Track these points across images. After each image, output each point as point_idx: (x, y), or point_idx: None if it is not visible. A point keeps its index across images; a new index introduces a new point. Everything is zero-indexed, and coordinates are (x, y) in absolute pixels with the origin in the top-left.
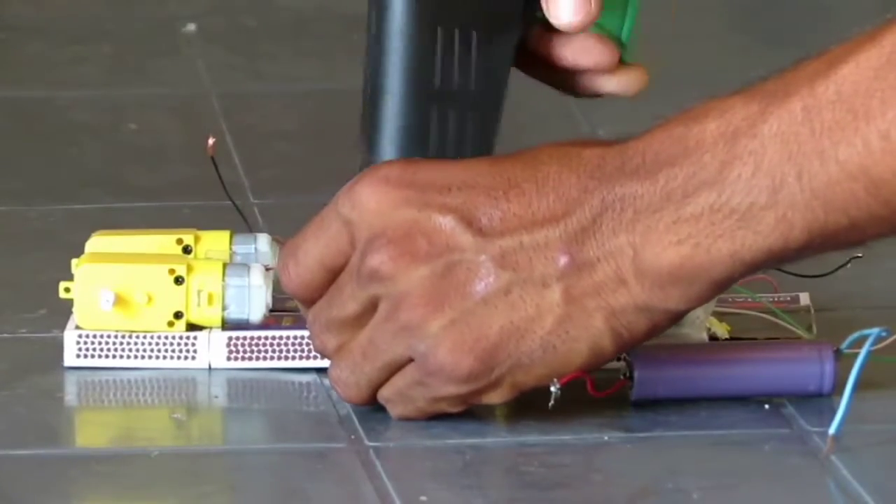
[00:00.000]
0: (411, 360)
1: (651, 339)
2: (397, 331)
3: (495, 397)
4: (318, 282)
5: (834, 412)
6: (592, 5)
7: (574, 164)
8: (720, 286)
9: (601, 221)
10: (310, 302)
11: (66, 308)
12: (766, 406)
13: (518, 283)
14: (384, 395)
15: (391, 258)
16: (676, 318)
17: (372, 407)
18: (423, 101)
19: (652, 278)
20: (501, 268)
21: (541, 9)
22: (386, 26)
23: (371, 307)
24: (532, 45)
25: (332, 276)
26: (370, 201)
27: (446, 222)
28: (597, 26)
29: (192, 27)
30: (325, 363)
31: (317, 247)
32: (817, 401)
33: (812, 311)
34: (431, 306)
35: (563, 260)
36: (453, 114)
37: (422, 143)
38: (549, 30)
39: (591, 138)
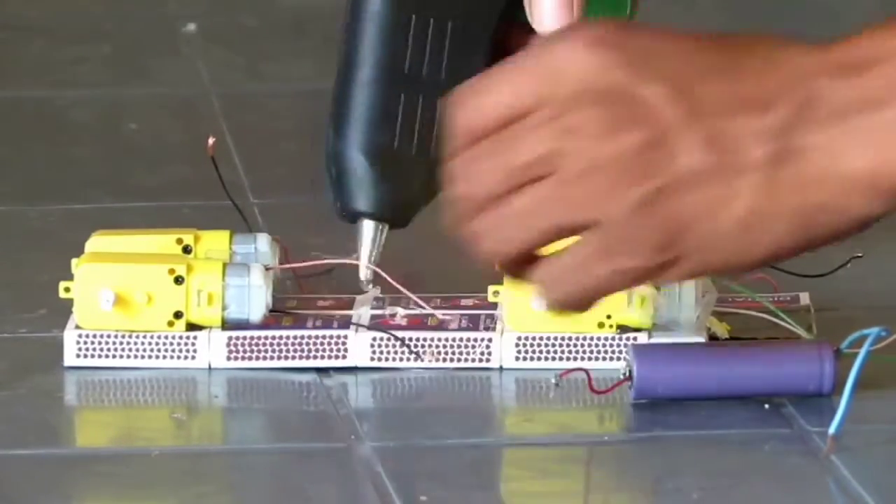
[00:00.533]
0: (583, 229)
1: (828, 243)
2: (585, 196)
3: (674, 275)
4: (495, 122)
5: (834, 412)
6: (575, 12)
7: (786, 56)
8: None
9: (806, 116)
10: (475, 141)
11: (65, 308)
12: (766, 406)
13: (718, 166)
14: (552, 272)
15: (597, 119)
16: (864, 226)
17: (511, 268)
18: (390, 86)
19: (849, 180)
20: (704, 149)
21: (521, 8)
22: (361, 8)
23: (548, 163)
24: (512, 44)
25: (510, 123)
26: (579, 59)
27: (657, 94)
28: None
29: (192, 27)
30: (326, 363)
31: (510, 87)
32: (817, 401)
33: (812, 311)
34: (628, 177)
35: (765, 149)
36: (422, 101)
37: (388, 127)
38: (529, 31)
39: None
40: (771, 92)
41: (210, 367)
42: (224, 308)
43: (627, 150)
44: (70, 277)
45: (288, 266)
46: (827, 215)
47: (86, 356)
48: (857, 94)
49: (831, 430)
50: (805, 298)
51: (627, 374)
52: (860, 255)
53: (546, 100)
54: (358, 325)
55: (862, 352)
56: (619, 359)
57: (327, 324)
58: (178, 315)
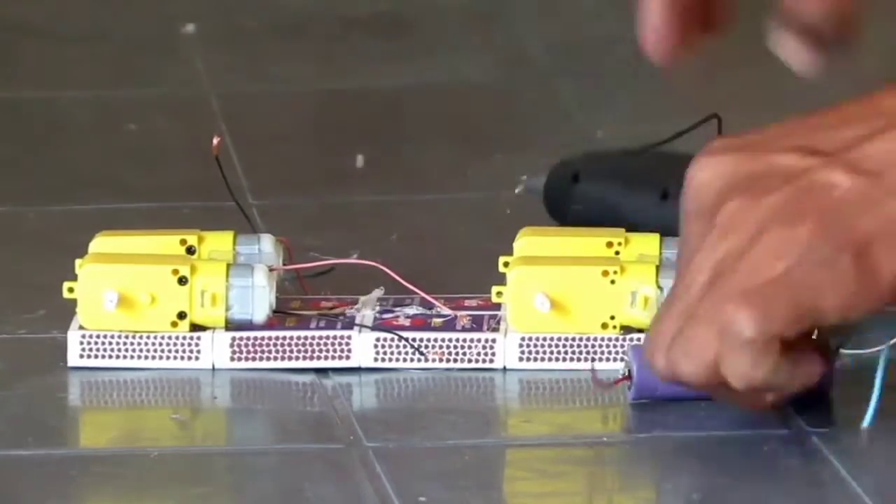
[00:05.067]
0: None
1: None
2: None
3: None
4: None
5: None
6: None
7: (879, 93)
8: None
9: None
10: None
11: (65, 309)
12: None
13: (878, 184)
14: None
15: (741, 203)
16: None
17: None
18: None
19: None
20: (855, 173)
21: None
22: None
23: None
24: None
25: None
26: (706, 173)
27: (789, 159)
28: None
29: (191, 27)
30: (330, 364)
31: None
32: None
33: None
34: (796, 220)
35: None
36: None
37: None
38: None
39: None
40: (886, 110)
41: (214, 368)
42: (227, 309)
43: (782, 203)
44: (71, 278)
45: (292, 267)
46: None
47: (89, 356)
48: None
49: (864, 423)
50: None
51: (627, 373)
52: None
53: (698, 215)
54: (361, 325)
55: (885, 348)
56: (623, 360)
57: (331, 324)
58: (181, 316)
